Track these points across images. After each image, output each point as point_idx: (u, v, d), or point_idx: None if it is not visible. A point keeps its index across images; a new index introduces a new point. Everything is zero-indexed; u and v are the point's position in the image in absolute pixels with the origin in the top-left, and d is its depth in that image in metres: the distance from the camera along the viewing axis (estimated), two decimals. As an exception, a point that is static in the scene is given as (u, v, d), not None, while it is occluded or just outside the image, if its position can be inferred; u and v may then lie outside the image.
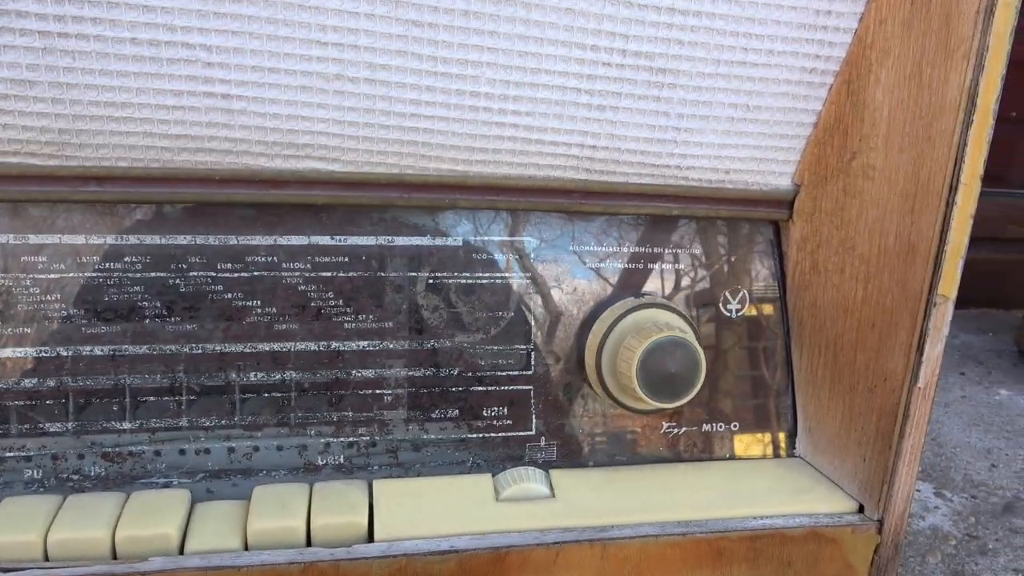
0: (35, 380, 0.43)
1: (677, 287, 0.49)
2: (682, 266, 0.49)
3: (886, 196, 0.43)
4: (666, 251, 0.49)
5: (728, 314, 0.50)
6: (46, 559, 0.39)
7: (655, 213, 0.47)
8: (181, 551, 0.40)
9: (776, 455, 0.51)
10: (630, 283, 0.49)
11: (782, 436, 0.52)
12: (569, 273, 0.48)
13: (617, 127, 0.43)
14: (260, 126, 0.40)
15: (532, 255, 0.47)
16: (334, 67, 0.38)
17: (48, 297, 0.42)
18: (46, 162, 0.39)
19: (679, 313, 0.47)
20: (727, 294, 0.50)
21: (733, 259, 0.50)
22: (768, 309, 0.51)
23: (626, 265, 0.48)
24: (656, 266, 0.49)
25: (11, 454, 0.43)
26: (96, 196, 0.40)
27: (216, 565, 0.39)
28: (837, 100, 0.45)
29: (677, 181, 0.46)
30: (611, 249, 0.48)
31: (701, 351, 0.44)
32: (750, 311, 0.50)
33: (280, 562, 0.40)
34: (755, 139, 0.45)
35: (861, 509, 0.46)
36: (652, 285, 0.49)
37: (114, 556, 0.40)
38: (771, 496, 0.48)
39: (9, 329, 0.42)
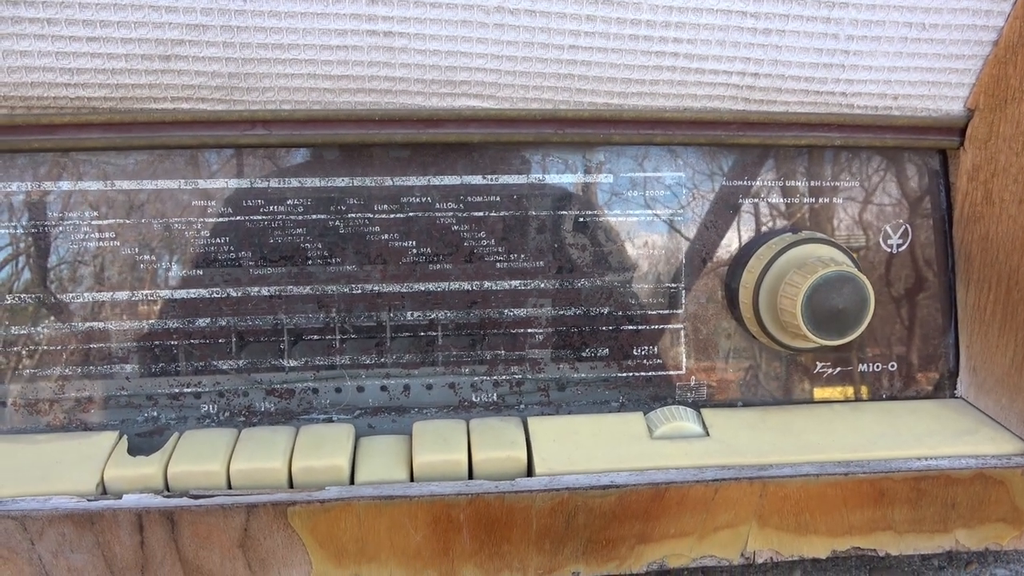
0: (207, 320, 0.45)
1: (835, 221, 0.47)
2: (840, 199, 0.47)
3: (1081, 117, 0.39)
4: (824, 184, 0.47)
5: (888, 249, 0.48)
6: (229, 487, 0.42)
7: (815, 144, 0.45)
8: (351, 481, 0.42)
9: (935, 396, 0.49)
10: (787, 217, 0.47)
11: (941, 376, 0.49)
12: (722, 209, 0.46)
13: (781, 52, 0.41)
14: (420, 63, 0.39)
15: (683, 191, 0.46)
16: (495, 0, 0.38)
17: (217, 240, 0.44)
18: (215, 107, 0.40)
19: (840, 247, 0.45)
20: (888, 228, 0.48)
21: (895, 191, 0.48)
22: (930, 243, 0.48)
23: (781, 200, 0.47)
24: (813, 200, 0.47)
25: (188, 390, 0.45)
26: (262, 140, 0.41)
27: (388, 495, 0.41)
28: (1023, 14, 0.41)
29: (841, 109, 0.43)
30: (766, 183, 0.46)
31: (870, 286, 0.42)
32: (911, 246, 0.48)
33: (448, 493, 0.41)
34: (928, 60, 0.42)
35: (1033, 451, 0.44)
36: (809, 219, 0.47)
37: (290, 485, 0.42)
38: (933, 437, 0.46)
39: (184, 271, 0.44)
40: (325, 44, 0.39)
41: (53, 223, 0.43)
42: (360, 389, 0.46)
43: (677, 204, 0.46)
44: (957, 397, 0.49)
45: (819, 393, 0.48)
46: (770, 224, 0.47)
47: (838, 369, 0.48)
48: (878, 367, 0.48)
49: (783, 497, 0.44)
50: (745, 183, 0.46)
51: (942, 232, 0.48)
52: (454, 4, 0.38)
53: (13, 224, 0.43)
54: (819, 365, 0.48)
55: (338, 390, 0.46)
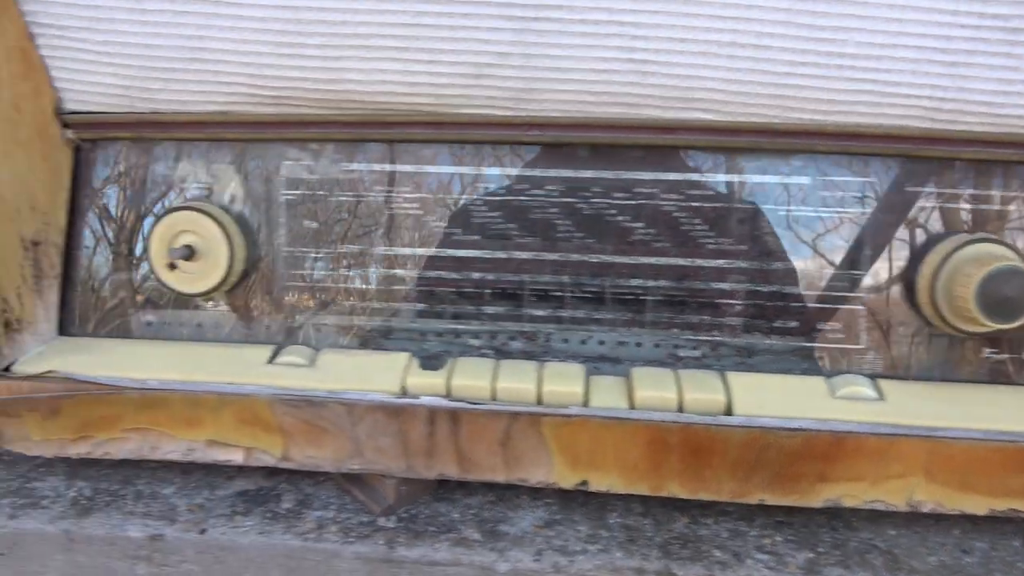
0: (478, 274, 0.58)
1: (1008, 226, 0.54)
2: (1012, 207, 0.54)
3: None
4: (999, 193, 0.54)
5: (1059, 253, 0.54)
6: (493, 400, 0.55)
7: (993, 159, 0.53)
8: (585, 406, 0.54)
9: (1100, 388, 0.55)
10: (962, 221, 0.55)
11: (1107, 371, 0.55)
12: (903, 211, 0.55)
13: (968, 81, 0.49)
14: (664, 84, 0.51)
15: (870, 194, 0.55)
16: (729, 36, 0.49)
17: (492, 214, 0.58)
18: (504, 112, 0.54)
19: (1010, 247, 0.52)
20: (1060, 234, 0.54)
21: (1068, 203, 0.54)
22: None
23: (959, 205, 0.54)
24: (986, 207, 0.54)
25: (460, 327, 0.59)
26: (536, 139, 0.55)
27: (616, 416, 0.52)
28: None
29: (1019, 129, 0.51)
30: (944, 190, 0.54)
31: (1037, 279, 0.49)
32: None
33: (665, 420, 0.52)
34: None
35: None
36: (984, 224, 0.54)
37: (538, 403, 0.54)
38: (1094, 421, 0.52)
39: (467, 236, 0.58)
40: (593, 68, 0.51)
41: (378, 194, 0.59)
42: (585, 341, 0.58)
43: (864, 205, 0.55)
44: (1122, 391, 0.55)
45: (984, 376, 0.55)
46: (947, 227, 0.55)
47: (1005, 354, 0.55)
48: (1044, 357, 0.55)
49: (949, 456, 0.51)
50: (926, 190, 0.54)
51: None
52: (697, 40, 0.49)
53: (348, 193, 0.59)
54: (986, 351, 0.55)
55: (565, 340, 0.59)
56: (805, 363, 0.56)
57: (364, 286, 0.59)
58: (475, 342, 0.59)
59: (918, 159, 0.54)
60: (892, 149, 0.53)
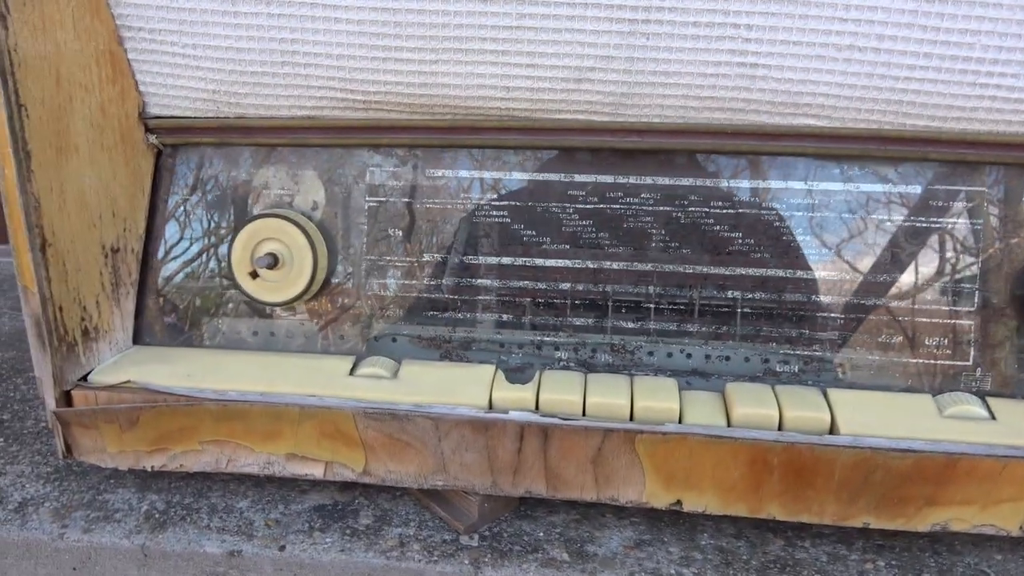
0: (568, 285, 0.56)
1: None
2: None
3: None
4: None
5: None
6: (583, 415, 0.53)
7: (1117, 168, 0.50)
8: (680, 422, 0.52)
9: None
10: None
11: None
12: (1011, 221, 0.52)
13: (1096, 87, 0.47)
14: (774, 88, 0.49)
15: (984, 205, 0.53)
16: (848, 39, 0.47)
17: (583, 222, 0.56)
18: (604, 119, 0.52)
19: None
20: None
21: None
22: None
23: (1078, 217, 0.52)
24: (1107, 219, 0.52)
25: (547, 339, 0.57)
26: (636, 145, 0.53)
27: (716, 434, 0.50)
28: None
29: None
30: (1063, 201, 0.52)
31: None
32: None
33: (767, 439, 0.50)
34: None
35: None
36: (1102, 237, 0.52)
37: (631, 419, 0.52)
38: None
39: (555, 245, 0.56)
40: (701, 72, 0.49)
41: (464, 201, 0.57)
42: (680, 353, 0.56)
43: (975, 216, 0.53)
44: None
45: (1102, 396, 0.53)
46: (1065, 238, 0.52)
47: (1123, 375, 0.52)
48: None
49: (1068, 479, 0.49)
50: (1043, 200, 0.52)
51: None
52: (813, 43, 0.47)
53: (433, 200, 0.57)
54: (1104, 370, 0.53)
55: (650, 353, 0.57)
56: (910, 380, 0.54)
57: (447, 296, 0.57)
58: (561, 354, 0.57)
59: (1032, 168, 0.52)
60: (1010, 157, 0.50)
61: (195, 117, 0.56)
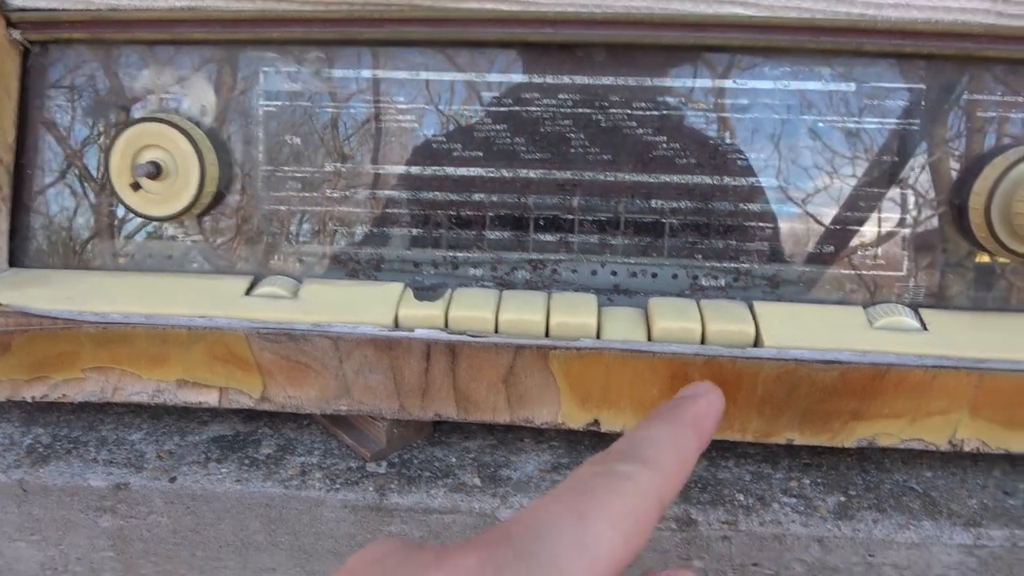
0: (481, 195, 0.52)
1: (1069, 140, 0.49)
2: (1075, 120, 0.49)
3: None
4: (1062, 103, 0.49)
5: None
6: (496, 332, 0.49)
7: (1061, 62, 0.47)
8: (598, 338, 0.49)
9: None
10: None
11: None
12: (955, 121, 0.49)
13: (1039, -32, 0.43)
14: (696, -28, 0.45)
15: (921, 103, 0.49)
16: (774, -88, 0.43)
17: (498, 127, 0.51)
18: (512, 7, 0.48)
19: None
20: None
21: None
22: None
23: (1021, 115, 0.49)
24: (1047, 119, 0.49)
25: (459, 255, 0.53)
26: (548, 38, 0.48)
27: (634, 349, 0.47)
28: None
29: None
30: (1003, 98, 0.49)
31: (1109, 194, 0.44)
32: None
33: (687, 352, 0.47)
34: None
35: None
36: (1043, 137, 0.49)
37: (546, 335, 0.49)
38: None
39: (467, 152, 0.52)
40: (616, -48, 0.45)
41: (367, 105, 0.52)
42: (598, 271, 0.53)
43: (913, 115, 0.49)
44: None
45: (1036, 306, 0.51)
46: (1006, 139, 0.49)
47: (1059, 283, 0.50)
48: (1100, 286, 0.50)
49: (997, 390, 0.47)
50: (984, 97, 0.49)
51: None
52: (736, -84, 0.43)
53: (334, 104, 0.52)
54: (1041, 278, 0.50)
55: (574, 271, 0.53)
56: (840, 292, 0.51)
57: (352, 210, 0.53)
58: (475, 271, 0.53)
59: (978, 61, 0.48)
60: (951, 49, 0.47)
61: (63, 9, 0.50)
